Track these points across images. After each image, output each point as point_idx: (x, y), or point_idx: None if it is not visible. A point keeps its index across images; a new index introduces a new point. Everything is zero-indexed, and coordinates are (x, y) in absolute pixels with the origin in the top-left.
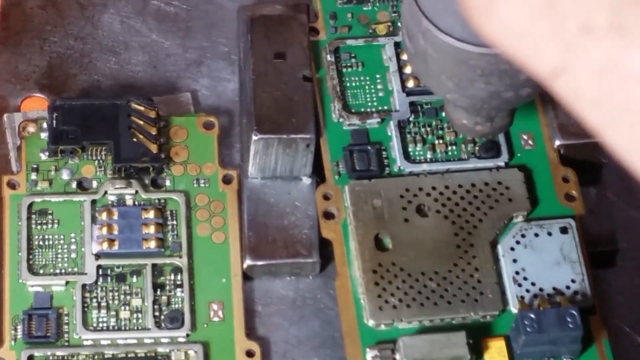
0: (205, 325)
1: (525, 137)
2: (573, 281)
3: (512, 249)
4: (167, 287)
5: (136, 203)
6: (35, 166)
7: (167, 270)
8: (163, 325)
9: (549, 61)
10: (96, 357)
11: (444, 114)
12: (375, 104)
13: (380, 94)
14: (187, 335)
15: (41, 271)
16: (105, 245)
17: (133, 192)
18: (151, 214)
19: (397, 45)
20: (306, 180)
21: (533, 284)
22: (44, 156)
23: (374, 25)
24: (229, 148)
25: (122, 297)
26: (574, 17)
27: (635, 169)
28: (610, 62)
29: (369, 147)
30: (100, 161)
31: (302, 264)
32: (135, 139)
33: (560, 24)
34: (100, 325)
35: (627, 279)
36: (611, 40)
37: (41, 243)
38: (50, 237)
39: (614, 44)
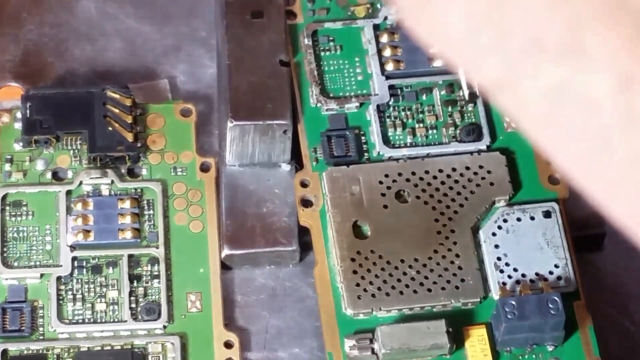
0: (182, 317)
1: (507, 119)
2: (556, 266)
3: (494, 234)
4: (144, 279)
5: (112, 193)
6: (9, 157)
7: (143, 261)
8: (139, 317)
9: (490, 75)
10: (72, 350)
11: (424, 97)
12: (354, 88)
13: (359, 78)
14: (164, 327)
15: (15, 264)
16: (80, 237)
17: (109, 181)
18: (127, 204)
19: (376, 27)
20: (285, 167)
21: (515, 269)
22: (18, 146)
23: (352, 8)
24: (208, 135)
25: (97, 289)
26: (522, 32)
27: (584, 188)
28: (562, 84)
29: (348, 132)
30: (76, 151)
31: (281, 253)
32: (110, 128)
33: (504, 37)
34: (76, 318)
35: (614, 262)
36: (564, 60)
37: (15, 235)
38: (25, 228)
39: (567, 64)
